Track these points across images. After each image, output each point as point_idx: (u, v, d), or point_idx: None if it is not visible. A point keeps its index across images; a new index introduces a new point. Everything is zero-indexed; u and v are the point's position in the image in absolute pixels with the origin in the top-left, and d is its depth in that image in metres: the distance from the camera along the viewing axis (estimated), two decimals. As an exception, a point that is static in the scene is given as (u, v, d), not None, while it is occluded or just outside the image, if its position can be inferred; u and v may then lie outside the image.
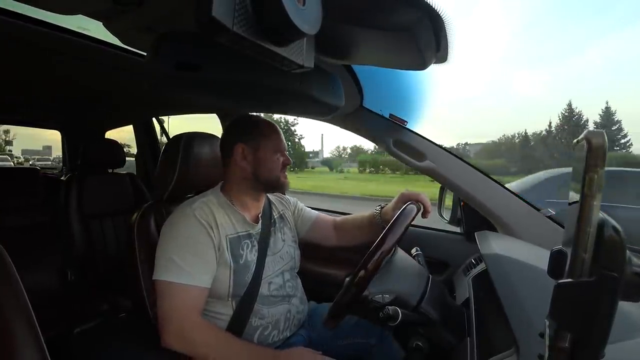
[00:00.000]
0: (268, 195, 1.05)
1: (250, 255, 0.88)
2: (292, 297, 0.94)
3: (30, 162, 18.72)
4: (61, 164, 3.16)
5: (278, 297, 0.91)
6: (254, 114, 1.05)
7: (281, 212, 1.05)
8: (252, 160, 0.90)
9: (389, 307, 0.68)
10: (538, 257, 0.76)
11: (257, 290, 0.87)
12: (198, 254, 0.80)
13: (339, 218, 1.12)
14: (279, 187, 0.94)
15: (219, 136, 1.01)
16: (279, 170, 0.92)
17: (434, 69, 0.70)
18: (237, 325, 0.84)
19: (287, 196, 1.13)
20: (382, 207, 1.03)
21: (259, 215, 0.95)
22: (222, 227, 0.85)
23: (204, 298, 0.81)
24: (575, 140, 0.38)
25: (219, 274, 0.83)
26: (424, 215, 0.93)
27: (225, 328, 0.84)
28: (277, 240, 0.97)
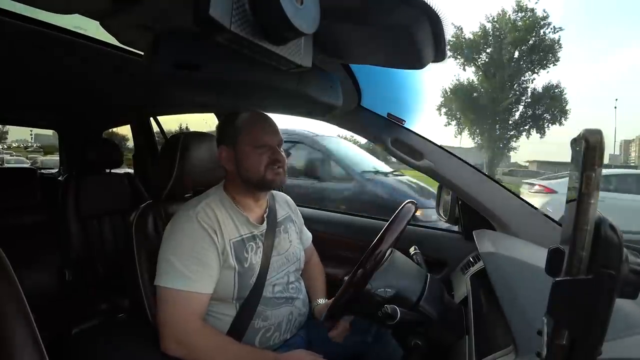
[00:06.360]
0: (275, 195, 1.04)
1: (255, 257, 0.87)
2: (295, 300, 0.94)
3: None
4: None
5: (281, 299, 0.90)
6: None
7: (288, 214, 1.04)
8: (233, 160, 0.87)
9: (388, 306, 0.69)
10: (536, 256, 0.76)
11: (261, 292, 0.86)
12: (201, 260, 0.79)
13: (310, 265, 1.11)
14: (266, 185, 0.87)
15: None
16: (264, 167, 0.85)
17: (431, 67, 0.70)
18: (239, 326, 0.84)
19: (294, 204, 1.11)
20: (318, 304, 1.02)
21: (264, 215, 0.93)
22: (225, 231, 0.83)
23: (205, 304, 0.80)
24: (572, 139, 0.38)
25: (224, 277, 0.82)
26: None
27: (227, 329, 0.83)
28: (283, 241, 0.96)
